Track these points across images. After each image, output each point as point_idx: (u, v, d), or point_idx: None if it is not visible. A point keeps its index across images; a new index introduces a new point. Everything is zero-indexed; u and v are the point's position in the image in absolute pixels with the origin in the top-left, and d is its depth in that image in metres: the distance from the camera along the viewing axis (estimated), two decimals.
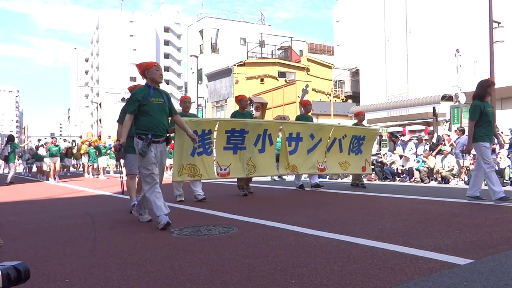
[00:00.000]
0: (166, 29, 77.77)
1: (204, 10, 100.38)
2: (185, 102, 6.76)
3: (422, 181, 11.47)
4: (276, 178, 12.75)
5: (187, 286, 2.34)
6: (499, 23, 15.38)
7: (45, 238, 3.97)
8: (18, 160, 21.70)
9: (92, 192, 9.97)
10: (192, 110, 38.72)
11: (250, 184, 8.04)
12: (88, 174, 18.45)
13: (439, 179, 11.48)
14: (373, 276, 2.42)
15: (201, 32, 39.92)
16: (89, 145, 18.52)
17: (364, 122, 12.63)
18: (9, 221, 5.28)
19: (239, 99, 7.59)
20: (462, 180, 11.26)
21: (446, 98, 20.67)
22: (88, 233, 4.14)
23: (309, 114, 8.80)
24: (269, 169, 7.64)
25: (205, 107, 35.06)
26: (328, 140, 8.43)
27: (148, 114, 4.26)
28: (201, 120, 7.38)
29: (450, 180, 11.32)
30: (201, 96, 33.79)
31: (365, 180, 12.10)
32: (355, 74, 31.93)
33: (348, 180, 12.29)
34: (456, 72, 20.29)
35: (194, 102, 35.20)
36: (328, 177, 12.83)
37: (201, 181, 6.86)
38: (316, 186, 8.36)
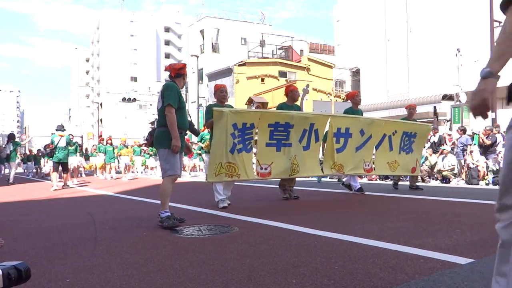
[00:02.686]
0: (167, 29, 77.80)
1: (205, 10, 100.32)
2: (222, 91, 5.99)
3: (423, 180, 11.46)
4: (321, 179, 12.01)
5: (188, 286, 2.34)
6: (500, 22, 15.36)
7: (46, 238, 3.98)
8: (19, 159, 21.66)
9: (93, 192, 9.98)
10: (193, 110, 38.79)
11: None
12: (104, 174, 18.15)
13: (440, 178, 11.47)
14: (374, 275, 2.42)
15: (201, 32, 39.92)
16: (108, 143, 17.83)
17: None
18: (10, 221, 5.29)
19: (290, 90, 6.78)
20: (463, 179, 11.26)
21: (447, 97, 20.65)
22: (89, 233, 4.14)
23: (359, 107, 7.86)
24: (313, 169, 6.78)
25: (205, 106, 35.02)
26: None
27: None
28: (243, 111, 6.47)
29: (451, 179, 11.31)
30: (201, 96, 33.79)
31: (365, 180, 12.10)
32: (356, 73, 31.93)
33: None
34: (457, 71, 20.27)
35: (194, 102, 35.24)
36: (328, 176, 12.76)
37: (237, 182, 6.17)
38: (360, 191, 7.54)
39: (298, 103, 7.14)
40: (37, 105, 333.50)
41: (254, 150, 6.35)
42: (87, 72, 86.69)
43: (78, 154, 15.78)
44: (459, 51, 20.24)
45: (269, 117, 6.20)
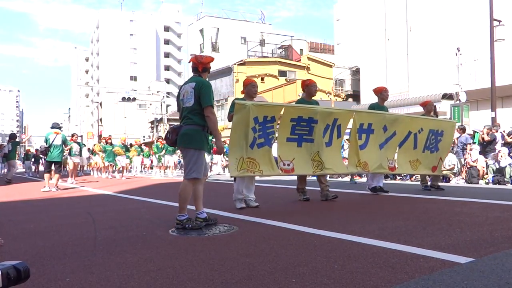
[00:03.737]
0: (167, 28, 77.77)
1: (205, 9, 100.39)
2: (254, 86, 5.76)
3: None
4: (355, 180, 11.41)
5: (187, 285, 2.34)
6: (499, 21, 15.36)
7: (46, 238, 3.97)
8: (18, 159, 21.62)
9: (92, 192, 9.97)
10: None
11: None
12: (104, 173, 18.12)
13: (440, 177, 11.47)
14: (374, 275, 2.41)
15: (201, 31, 39.94)
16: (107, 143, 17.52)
17: None
18: (10, 221, 5.28)
19: (307, 84, 6.49)
20: (462, 178, 11.26)
21: (447, 96, 20.67)
22: (88, 233, 4.14)
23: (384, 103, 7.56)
24: (337, 166, 6.46)
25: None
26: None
27: None
28: (265, 104, 6.16)
29: (450, 178, 11.31)
30: None
31: (364, 180, 12.07)
32: (356, 72, 31.93)
33: (347, 178, 12.27)
34: (457, 70, 20.27)
35: None
36: (328, 175, 12.67)
37: (260, 177, 5.97)
38: (380, 190, 7.27)
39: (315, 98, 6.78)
40: (37, 105, 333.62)
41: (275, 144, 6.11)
42: (87, 72, 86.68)
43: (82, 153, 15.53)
44: (459, 50, 20.25)
45: (292, 111, 5.95)
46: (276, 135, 5.88)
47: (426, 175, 8.09)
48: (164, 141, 18.02)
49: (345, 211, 5.30)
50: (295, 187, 7.02)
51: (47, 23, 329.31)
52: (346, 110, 7.19)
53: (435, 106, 8.48)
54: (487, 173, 10.89)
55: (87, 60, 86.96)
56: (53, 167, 10.51)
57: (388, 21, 25.45)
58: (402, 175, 12.24)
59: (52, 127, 10.74)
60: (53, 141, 10.34)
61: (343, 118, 6.41)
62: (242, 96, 6.01)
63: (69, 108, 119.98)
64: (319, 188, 6.58)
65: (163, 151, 18.00)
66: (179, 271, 2.63)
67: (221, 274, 2.52)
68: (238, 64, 32.78)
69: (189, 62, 4.35)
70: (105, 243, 3.60)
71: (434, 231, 3.66)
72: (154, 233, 3.96)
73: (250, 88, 5.72)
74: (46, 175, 10.43)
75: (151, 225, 4.47)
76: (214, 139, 4.54)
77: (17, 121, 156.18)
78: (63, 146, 10.69)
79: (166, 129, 42.43)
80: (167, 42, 77.80)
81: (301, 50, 41.16)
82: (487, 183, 10.51)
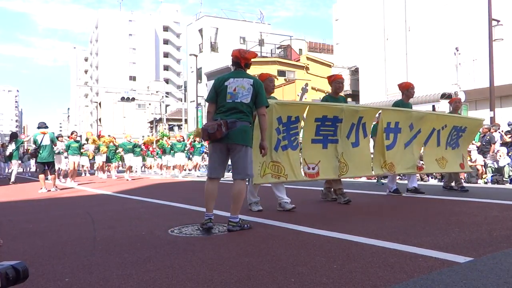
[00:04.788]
0: (166, 28, 77.75)
1: (204, 9, 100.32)
2: (271, 80, 5.36)
3: (422, 179, 11.47)
4: (383, 180, 10.57)
5: (186, 285, 2.34)
6: (498, 21, 15.37)
7: (45, 238, 3.97)
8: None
9: (92, 192, 9.97)
10: (191, 109, 38.65)
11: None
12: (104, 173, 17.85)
13: (439, 177, 11.48)
14: (373, 274, 2.42)
15: (200, 31, 39.90)
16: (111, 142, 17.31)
17: None
18: (9, 221, 5.28)
19: (333, 80, 6.07)
20: (462, 178, 11.27)
21: (446, 96, 20.66)
22: (87, 233, 4.14)
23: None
24: (363, 168, 6.08)
25: (204, 106, 35.03)
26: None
27: None
28: (290, 103, 5.77)
29: None
30: (200, 95, 33.78)
31: (363, 179, 12.09)
32: (355, 72, 31.93)
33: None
34: (456, 70, 20.28)
35: (193, 101, 35.21)
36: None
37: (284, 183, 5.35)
38: (414, 191, 6.92)
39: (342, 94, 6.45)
40: (36, 105, 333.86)
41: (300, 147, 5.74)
42: (86, 72, 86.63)
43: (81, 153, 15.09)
44: (457, 50, 20.26)
45: (316, 110, 5.54)
46: (300, 137, 5.51)
47: (458, 175, 7.73)
48: (169, 140, 17.95)
49: (344, 211, 5.30)
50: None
51: (46, 23, 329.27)
52: (372, 108, 6.87)
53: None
54: (486, 173, 10.90)
55: (86, 60, 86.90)
56: (46, 167, 10.29)
57: (387, 21, 25.46)
58: (401, 174, 12.23)
59: (39, 127, 10.46)
60: (41, 142, 10.09)
61: (368, 116, 6.04)
62: None
63: (68, 108, 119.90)
64: (321, 188, 6.57)
65: (170, 151, 17.37)
66: (178, 271, 2.63)
67: (220, 274, 2.52)
68: None
69: (232, 55, 4.18)
70: (104, 243, 3.60)
71: (433, 231, 3.67)
72: (153, 233, 3.96)
73: (267, 83, 5.26)
74: (41, 176, 10.24)
75: (150, 225, 4.47)
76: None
77: (16, 121, 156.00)
78: (52, 145, 10.45)
79: (165, 128, 42.49)
80: (166, 42, 77.77)
81: (300, 50, 41.15)
82: (486, 183, 10.52)
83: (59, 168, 14.05)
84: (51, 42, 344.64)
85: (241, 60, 4.14)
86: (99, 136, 20.57)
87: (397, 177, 9.86)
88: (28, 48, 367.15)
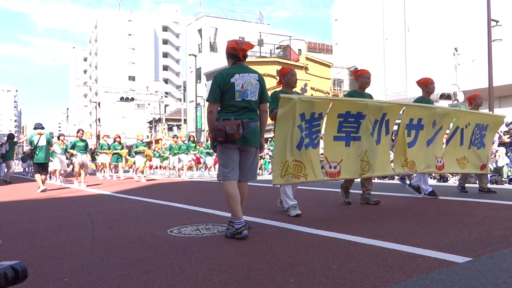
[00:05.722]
0: (165, 28, 77.73)
1: (203, 9, 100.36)
2: (293, 74, 5.09)
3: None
4: (408, 182, 10.15)
5: (186, 285, 2.34)
6: (497, 21, 15.39)
7: (44, 238, 3.97)
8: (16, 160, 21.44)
9: (91, 192, 9.96)
10: (191, 109, 38.58)
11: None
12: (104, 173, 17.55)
13: (438, 177, 11.49)
14: (372, 274, 2.42)
15: (199, 31, 39.90)
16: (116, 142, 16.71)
17: None
18: (8, 221, 5.27)
19: (359, 74, 5.85)
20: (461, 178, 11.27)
21: (445, 96, 20.69)
22: (86, 233, 4.14)
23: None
24: (385, 167, 5.72)
25: (203, 106, 35.04)
26: (448, 130, 6.72)
27: None
28: (314, 99, 5.26)
29: (448, 178, 11.33)
30: (199, 95, 33.78)
31: (376, 180, 12.04)
32: None
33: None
34: (455, 70, 20.32)
35: (192, 101, 35.20)
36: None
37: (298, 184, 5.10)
38: (432, 195, 6.43)
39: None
40: (35, 105, 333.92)
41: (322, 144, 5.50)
42: (85, 71, 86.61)
43: (87, 153, 14.47)
44: (456, 50, 20.30)
45: (340, 105, 5.24)
46: (321, 134, 5.24)
47: (467, 175, 7.37)
48: (175, 140, 17.60)
49: (343, 211, 5.30)
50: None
51: (46, 23, 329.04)
52: (397, 103, 6.44)
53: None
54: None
55: (85, 60, 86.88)
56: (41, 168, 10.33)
57: (386, 21, 25.49)
58: (404, 177, 12.20)
59: (35, 128, 10.55)
60: (37, 143, 10.15)
61: (392, 113, 5.71)
62: (278, 89, 5.26)
63: (67, 108, 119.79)
64: (319, 189, 6.57)
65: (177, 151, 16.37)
66: (177, 271, 2.63)
67: (220, 274, 2.52)
68: None
69: (228, 47, 3.82)
70: (103, 243, 3.59)
71: (431, 231, 3.67)
72: (152, 233, 3.96)
73: (289, 77, 5.01)
74: (37, 176, 10.31)
75: (149, 225, 4.47)
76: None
77: (15, 121, 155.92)
78: (49, 146, 10.48)
79: (164, 129, 42.50)
80: (165, 42, 77.76)
81: (300, 50, 41.19)
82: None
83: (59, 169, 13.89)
84: (50, 42, 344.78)
85: (239, 52, 3.79)
86: (98, 138, 20.26)
87: (396, 177, 9.28)
88: (27, 48, 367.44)
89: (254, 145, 3.73)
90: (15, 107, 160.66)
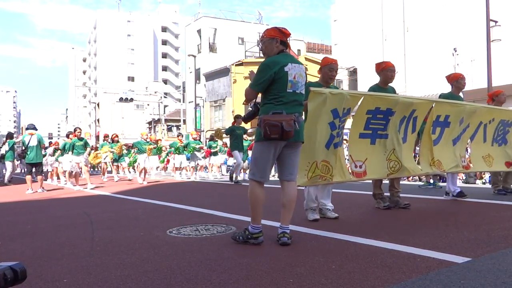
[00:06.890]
0: (164, 29, 77.72)
1: (202, 9, 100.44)
2: (332, 68, 4.55)
3: (420, 179, 11.48)
4: (440, 184, 9.31)
5: (185, 285, 2.34)
6: (496, 22, 15.41)
7: (43, 239, 3.97)
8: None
9: (90, 193, 9.95)
10: (190, 110, 38.60)
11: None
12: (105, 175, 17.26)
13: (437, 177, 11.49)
14: (371, 274, 2.42)
15: (199, 31, 39.88)
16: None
17: None
18: (7, 221, 5.27)
19: (384, 68, 5.40)
20: (460, 178, 11.28)
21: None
22: (86, 233, 4.14)
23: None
24: (412, 166, 5.32)
25: (203, 106, 35.04)
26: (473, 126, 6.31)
27: None
28: (348, 93, 4.66)
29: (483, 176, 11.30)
30: (199, 95, 33.77)
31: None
32: (353, 73, 31.96)
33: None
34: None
35: (192, 102, 35.19)
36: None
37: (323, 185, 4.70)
38: (461, 196, 6.06)
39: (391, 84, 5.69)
40: (34, 105, 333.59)
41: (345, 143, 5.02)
42: (84, 72, 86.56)
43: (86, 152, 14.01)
44: (455, 51, 20.32)
45: (370, 101, 4.84)
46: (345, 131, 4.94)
47: (498, 176, 7.02)
48: (180, 138, 17.30)
49: (342, 211, 5.30)
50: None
51: (45, 23, 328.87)
52: (427, 100, 6.06)
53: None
54: (484, 173, 10.91)
55: (84, 60, 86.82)
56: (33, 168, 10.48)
57: (385, 22, 25.52)
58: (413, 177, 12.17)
59: (27, 128, 10.70)
60: (29, 143, 10.26)
61: (421, 110, 5.39)
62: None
63: (67, 109, 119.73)
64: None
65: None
66: (176, 271, 2.63)
67: (219, 274, 2.52)
68: (236, 65, 32.73)
69: (277, 33, 3.39)
70: (102, 243, 3.59)
71: (431, 231, 3.67)
72: (152, 234, 3.96)
73: (326, 71, 4.54)
74: (28, 177, 10.45)
75: (149, 225, 4.47)
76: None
77: (14, 122, 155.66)
78: (40, 146, 10.57)
79: (164, 129, 42.48)
80: (164, 42, 77.75)
81: (299, 50, 41.19)
82: (484, 183, 10.54)
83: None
84: (49, 42, 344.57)
85: (284, 38, 3.40)
86: (97, 138, 20.06)
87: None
88: (27, 49, 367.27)
89: (302, 140, 3.45)
90: (14, 107, 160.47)
